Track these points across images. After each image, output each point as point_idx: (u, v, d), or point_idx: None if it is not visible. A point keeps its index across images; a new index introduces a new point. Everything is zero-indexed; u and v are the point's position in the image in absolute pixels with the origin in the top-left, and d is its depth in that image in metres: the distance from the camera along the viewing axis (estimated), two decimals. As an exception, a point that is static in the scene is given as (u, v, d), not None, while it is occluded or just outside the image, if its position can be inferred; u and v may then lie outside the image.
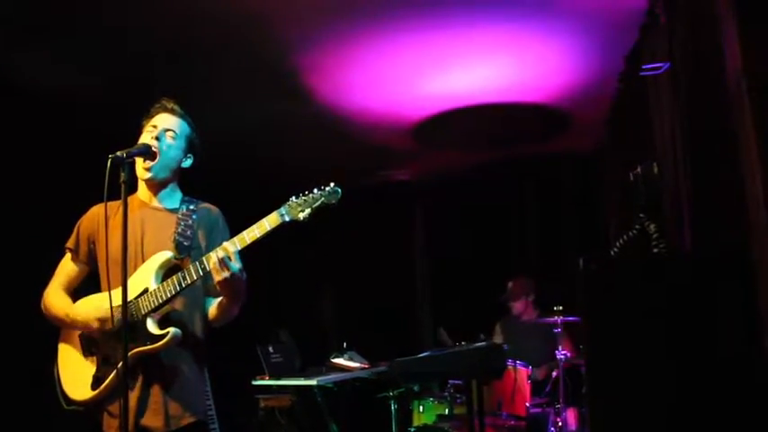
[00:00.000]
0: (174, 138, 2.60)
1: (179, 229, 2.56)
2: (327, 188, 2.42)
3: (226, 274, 2.36)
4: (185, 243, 2.55)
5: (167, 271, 2.50)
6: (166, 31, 3.90)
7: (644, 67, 3.58)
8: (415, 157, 6.49)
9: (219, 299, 2.56)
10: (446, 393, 4.70)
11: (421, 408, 4.89)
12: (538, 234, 6.79)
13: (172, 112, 2.64)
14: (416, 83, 4.76)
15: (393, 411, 5.05)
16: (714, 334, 2.10)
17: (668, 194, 3.26)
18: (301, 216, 2.38)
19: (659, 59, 3.40)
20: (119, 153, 2.31)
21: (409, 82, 4.74)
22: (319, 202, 2.39)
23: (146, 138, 2.57)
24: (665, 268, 2.30)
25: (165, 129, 2.59)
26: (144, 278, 2.48)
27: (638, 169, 2.91)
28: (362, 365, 5.32)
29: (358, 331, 6.22)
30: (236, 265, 2.38)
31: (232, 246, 2.39)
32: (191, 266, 2.43)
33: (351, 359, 5.36)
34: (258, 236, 2.39)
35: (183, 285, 2.43)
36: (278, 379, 4.94)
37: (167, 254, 2.51)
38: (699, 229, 2.90)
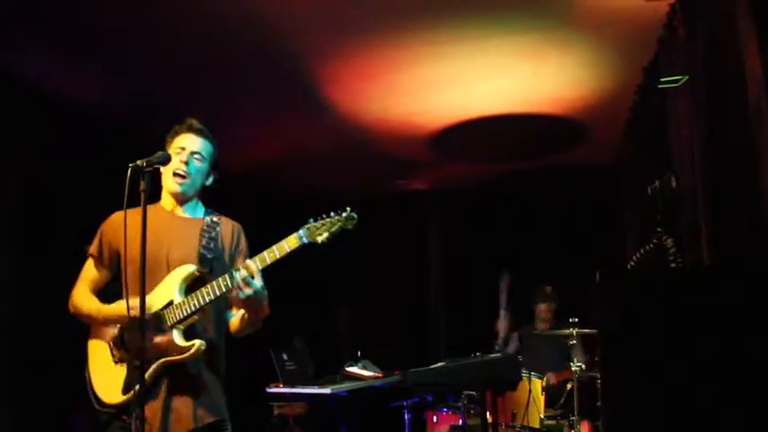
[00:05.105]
0: (200, 160, 2.70)
1: (203, 242, 2.65)
2: (344, 213, 2.50)
3: (248, 291, 2.48)
4: (209, 256, 2.63)
5: (190, 283, 2.59)
6: (184, 45, 3.95)
7: (662, 79, 3.57)
8: (432, 167, 6.50)
9: (242, 312, 2.66)
10: (460, 404, 4.69)
11: (435, 418, 4.88)
12: (554, 245, 6.76)
13: (198, 133, 2.72)
14: (434, 93, 4.77)
15: (407, 421, 5.04)
16: (734, 349, 2.09)
17: (686, 208, 3.24)
18: (319, 239, 2.48)
19: (678, 72, 3.39)
20: (139, 162, 2.36)
21: (427, 92, 4.75)
22: (337, 227, 2.49)
23: (174, 161, 2.64)
24: (684, 282, 2.28)
25: (192, 152, 2.68)
26: (168, 291, 2.57)
27: (656, 183, 2.89)
28: (376, 374, 5.32)
29: (372, 340, 6.22)
30: (257, 283, 2.49)
31: (254, 264, 2.49)
32: (215, 283, 2.52)
33: (365, 368, 5.36)
34: (278, 256, 2.49)
35: (208, 300, 2.53)
36: (292, 387, 4.94)
37: (191, 267, 2.59)
38: (717, 243, 2.88)
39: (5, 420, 4.05)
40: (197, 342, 2.50)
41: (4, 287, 4.11)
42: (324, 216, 2.51)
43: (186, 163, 2.66)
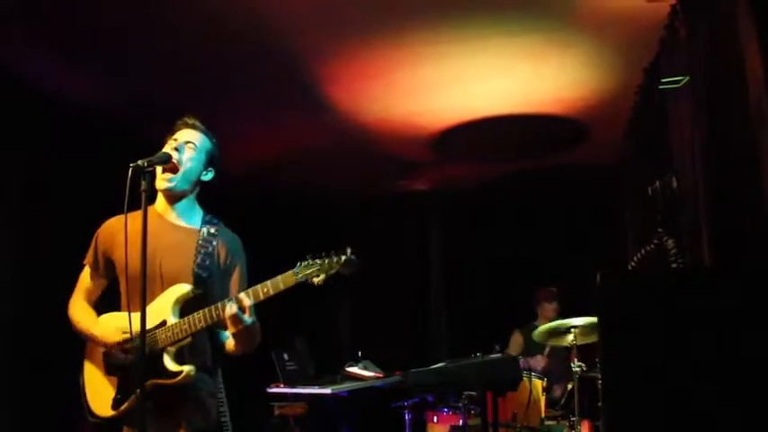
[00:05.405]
0: (193, 149, 2.65)
1: (198, 259, 2.60)
2: (344, 257, 2.42)
3: (239, 326, 2.46)
4: (204, 275, 2.59)
5: (185, 303, 2.56)
6: (183, 44, 3.95)
7: (663, 80, 3.57)
8: (433, 168, 6.49)
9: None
10: (461, 404, 4.68)
11: (435, 418, 4.87)
12: (554, 246, 6.75)
13: (193, 127, 2.71)
14: (435, 94, 4.76)
15: (407, 421, 5.04)
16: (734, 349, 2.08)
17: (687, 209, 3.24)
18: (316, 281, 2.42)
19: (679, 72, 3.39)
20: (139, 162, 2.34)
21: (428, 93, 4.74)
22: (334, 271, 2.42)
23: (167, 150, 2.61)
24: (685, 283, 2.28)
25: (185, 141, 2.65)
26: (162, 310, 2.53)
27: (657, 183, 2.89)
28: (377, 375, 5.31)
29: (373, 340, 6.22)
30: (248, 319, 2.46)
31: (247, 300, 2.45)
32: (208, 311, 2.48)
33: (365, 368, 5.36)
34: (272, 293, 2.45)
35: (200, 327, 2.49)
36: (292, 387, 4.94)
37: (186, 287, 2.55)
38: (717, 244, 2.88)
39: (5, 420, 4.05)
40: (186, 368, 2.48)
41: (4, 287, 4.11)
42: (323, 254, 2.44)
43: (177, 150, 2.60)
